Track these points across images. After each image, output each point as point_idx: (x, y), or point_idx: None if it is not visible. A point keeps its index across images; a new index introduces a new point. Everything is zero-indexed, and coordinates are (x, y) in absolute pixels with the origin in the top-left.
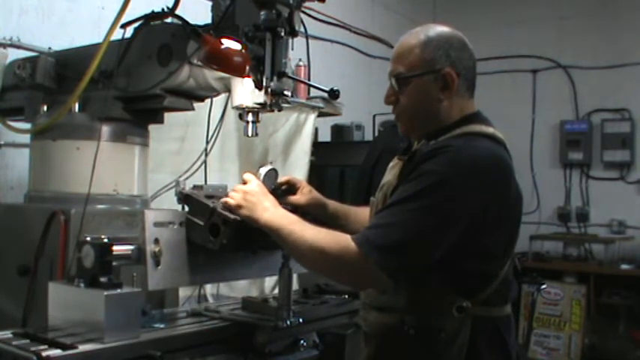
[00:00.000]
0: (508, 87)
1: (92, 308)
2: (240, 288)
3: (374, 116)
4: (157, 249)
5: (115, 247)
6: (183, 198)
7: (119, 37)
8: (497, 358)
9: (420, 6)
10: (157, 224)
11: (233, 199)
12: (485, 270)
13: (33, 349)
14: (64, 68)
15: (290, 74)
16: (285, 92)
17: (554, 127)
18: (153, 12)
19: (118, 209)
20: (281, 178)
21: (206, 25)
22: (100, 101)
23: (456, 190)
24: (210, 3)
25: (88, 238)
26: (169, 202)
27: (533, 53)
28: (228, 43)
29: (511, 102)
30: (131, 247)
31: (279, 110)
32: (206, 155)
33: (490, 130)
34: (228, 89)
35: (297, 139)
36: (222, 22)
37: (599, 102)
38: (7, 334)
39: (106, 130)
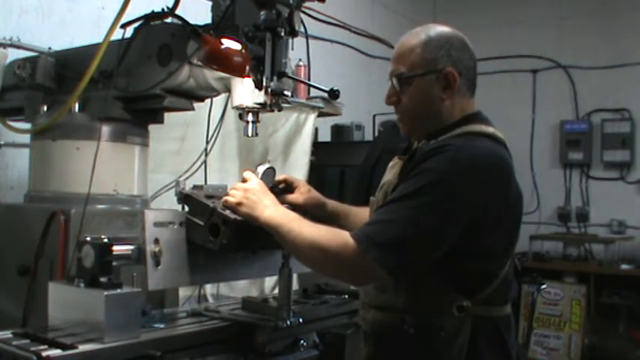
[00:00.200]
0: (508, 87)
1: (92, 308)
2: (240, 288)
3: (374, 116)
4: (157, 249)
5: (115, 247)
6: (183, 198)
7: (119, 37)
8: (497, 357)
9: (419, 6)
10: (157, 224)
11: (233, 197)
12: (485, 269)
13: (33, 349)
14: (64, 68)
15: (290, 74)
16: (285, 92)
17: (554, 127)
18: (153, 12)
19: (118, 209)
20: (279, 177)
21: (206, 25)
22: (100, 101)
23: (456, 189)
24: (210, 3)
25: (88, 238)
26: (169, 202)
27: (533, 53)
28: (228, 43)
29: (511, 102)
30: (131, 247)
31: (279, 110)
32: (206, 155)
33: (490, 129)
34: (228, 89)
35: (297, 139)
36: (222, 22)
37: (599, 102)
38: (7, 334)
39: (106, 130)
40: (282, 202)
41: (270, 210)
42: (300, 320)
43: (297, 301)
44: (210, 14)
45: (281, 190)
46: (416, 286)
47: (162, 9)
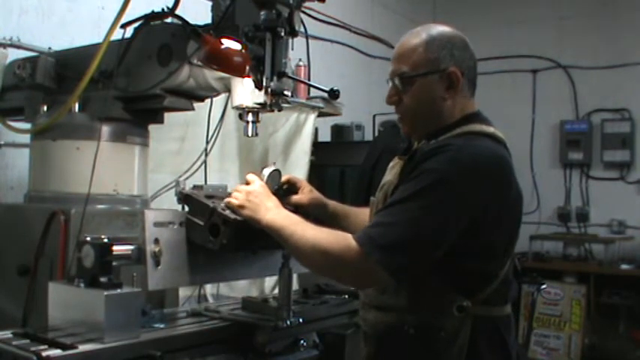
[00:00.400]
0: (508, 87)
1: (92, 308)
2: (240, 288)
3: (374, 116)
4: (157, 249)
5: (115, 247)
6: (183, 198)
7: (119, 37)
8: (497, 357)
9: (419, 6)
10: (157, 224)
11: (236, 199)
12: (485, 269)
13: (33, 349)
14: (64, 68)
15: (290, 74)
16: (285, 92)
17: (554, 127)
18: (153, 12)
19: (118, 209)
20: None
21: (206, 25)
22: (100, 101)
23: (456, 189)
24: (210, 3)
25: (88, 238)
26: (169, 202)
27: (533, 53)
28: (228, 43)
29: (511, 102)
30: (131, 247)
31: (279, 110)
32: (206, 155)
33: (490, 129)
34: (228, 89)
35: (297, 139)
36: (222, 22)
37: (599, 102)
38: (7, 334)
39: (106, 130)
40: (287, 203)
41: (272, 213)
42: (300, 320)
43: (297, 301)
44: (210, 14)
45: (285, 191)
46: (416, 286)
47: (162, 9)
